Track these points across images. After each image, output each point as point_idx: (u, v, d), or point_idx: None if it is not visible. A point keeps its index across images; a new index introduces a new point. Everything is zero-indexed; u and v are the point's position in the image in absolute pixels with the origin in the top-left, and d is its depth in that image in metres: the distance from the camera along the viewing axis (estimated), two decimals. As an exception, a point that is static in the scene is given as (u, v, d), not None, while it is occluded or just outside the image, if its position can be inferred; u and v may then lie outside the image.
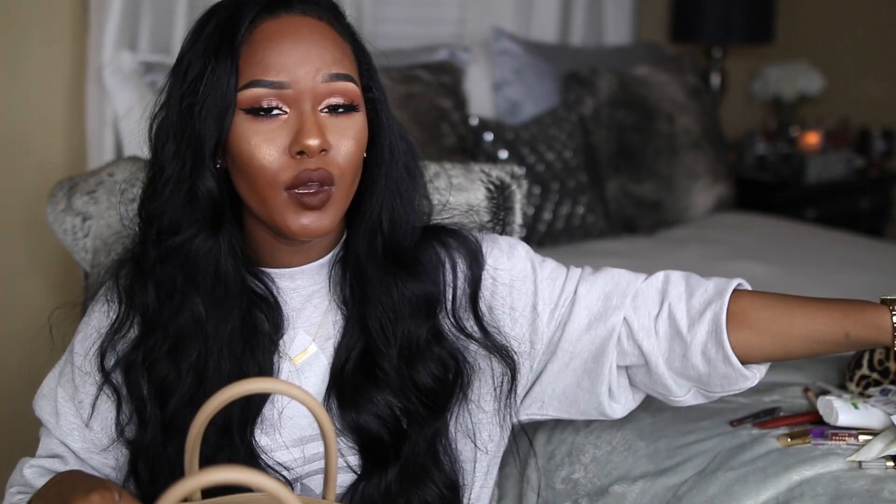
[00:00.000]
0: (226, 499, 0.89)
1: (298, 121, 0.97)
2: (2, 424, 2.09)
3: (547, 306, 1.14)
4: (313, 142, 0.96)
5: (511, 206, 1.38)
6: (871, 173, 3.46)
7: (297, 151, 0.96)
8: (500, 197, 1.37)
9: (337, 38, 1.01)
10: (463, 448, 1.12)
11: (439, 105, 2.40)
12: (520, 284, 1.14)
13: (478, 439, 1.13)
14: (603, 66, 2.82)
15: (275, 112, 0.98)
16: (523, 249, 1.17)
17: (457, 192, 1.35)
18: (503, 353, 1.11)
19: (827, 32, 3.64)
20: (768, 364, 1.13)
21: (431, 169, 1.36)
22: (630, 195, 2.72)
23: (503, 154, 2.54)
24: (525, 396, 1.17)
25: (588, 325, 1.13)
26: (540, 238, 2.55)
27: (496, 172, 1.38)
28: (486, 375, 1.13)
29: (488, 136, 2.55)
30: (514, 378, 1.12)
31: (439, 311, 1.10)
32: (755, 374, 1.10)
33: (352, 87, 1.00)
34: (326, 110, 0.99)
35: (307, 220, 0.99)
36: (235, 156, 0.99)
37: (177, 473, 1.01)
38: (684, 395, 1.14)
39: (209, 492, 0.89)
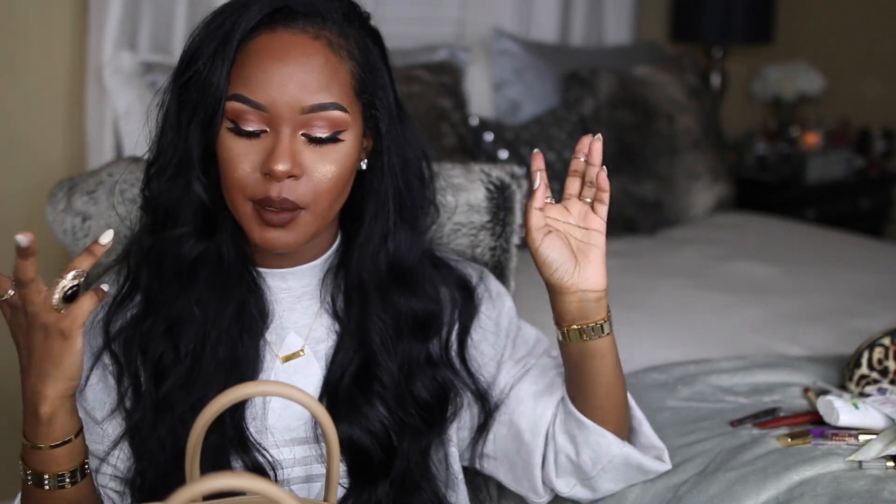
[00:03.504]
0: (224, 501, 0.89)
1: (273, 143, 0.97)
2: (1, 425, 2.09)
3: (510, 360, 1.16)
4: (281, 167, 0.95)
5: (511, 207, 1.38)
6: (871, 173, 3.45)
7: (265, 172, 0.97)
8: (500, 197, 1.37)
9: (330, 60, 0.99)
10: (439, 468, 1.13)
11: (439, 105, 2.40)
12: (494, 338, 1.16)
13: (451, 465, 1.14)
14: (603, 66, 2.82)
15: (257, 132, 0.97)
16: (509, 302, 1.20)
17: (457, 192, 1.35)
18: (483, 399, 1.13)
19: (827, 32, 3.64)
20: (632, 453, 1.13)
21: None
22: (630, 195, 2.72)
23: (503, 154, 2.54)
24: (483, 447, 1.18)
25: (534, 394, 1.15)
26: (540, 238, 2.55)
27: (496, 172, 1.38)
28: (463, 406, 1.15)
29: (488, 136, 2.55)
30: (486, 421, 1.14)
31: (438, 333, 1.12)
32: (620, 441, 1.11)
33: (336, 116, 0.98)
34: (308, 140, 0.98)
35: (270, 236, 0.99)
36: (219, 161, 1.00)
37: (166, 450, 1.02)
38: (570, 490, 1.15)
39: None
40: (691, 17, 3.32)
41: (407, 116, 1.10)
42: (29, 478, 0.97)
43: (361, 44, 1.03)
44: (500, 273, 1.37)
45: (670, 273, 2.32)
